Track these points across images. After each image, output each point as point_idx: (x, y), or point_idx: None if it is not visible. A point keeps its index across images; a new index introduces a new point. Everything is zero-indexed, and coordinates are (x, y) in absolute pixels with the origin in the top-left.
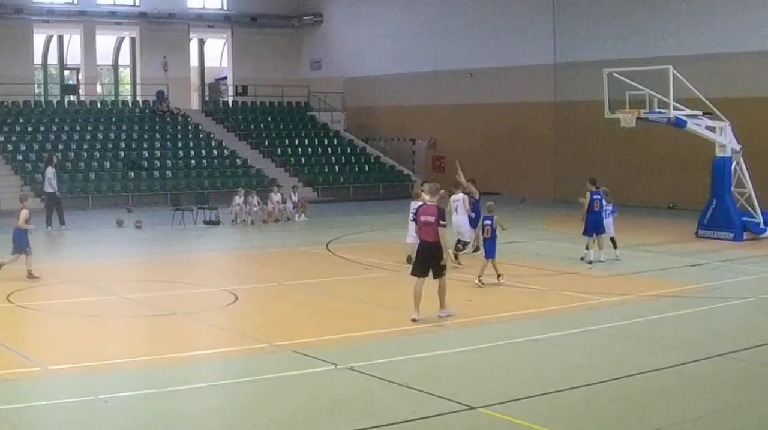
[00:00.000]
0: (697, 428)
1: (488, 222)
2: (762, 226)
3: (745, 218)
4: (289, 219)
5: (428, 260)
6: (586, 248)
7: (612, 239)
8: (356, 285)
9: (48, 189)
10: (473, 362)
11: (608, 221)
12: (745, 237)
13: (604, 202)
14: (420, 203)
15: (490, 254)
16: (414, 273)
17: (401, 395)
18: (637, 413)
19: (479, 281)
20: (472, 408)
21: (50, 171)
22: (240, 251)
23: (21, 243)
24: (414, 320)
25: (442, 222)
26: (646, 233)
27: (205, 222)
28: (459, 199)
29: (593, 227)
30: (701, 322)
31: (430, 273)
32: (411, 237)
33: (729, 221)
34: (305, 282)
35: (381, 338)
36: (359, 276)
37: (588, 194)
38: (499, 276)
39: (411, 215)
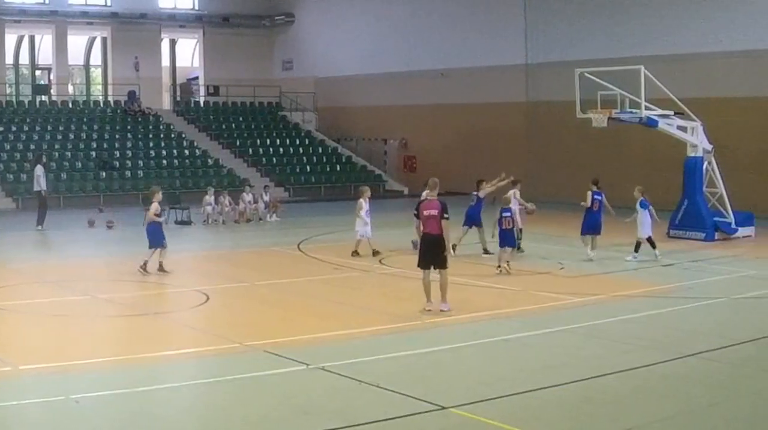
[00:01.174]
0: (668, 427)
1: (507, 214)
2: (733, 226)
3: (716, 218)
4: (260, 219)
5: (432, 252)
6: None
7: (649, 239)
8: (328, 285)
9: (36, 187)
10: (445, 362)
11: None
12: (716, 237)
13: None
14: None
15: (509, 243)
16: (420, 266)
17: (373, 396)
18: (610, 413)
19: (505, 267)
20: (443, 408)
21: (39, 169)
22: (211, 251)
23: (155, 237)
24: (428, 311)
25: (445, 215)
26: (617, 232)
27: (177, 222)
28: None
29: (591, 226)
30: (673, 322)
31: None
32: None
33: (700, 221)
34: (277, 282)
35: (352, 338)
36: (330, 276)
37: (589, 194)
38: (499, 266)
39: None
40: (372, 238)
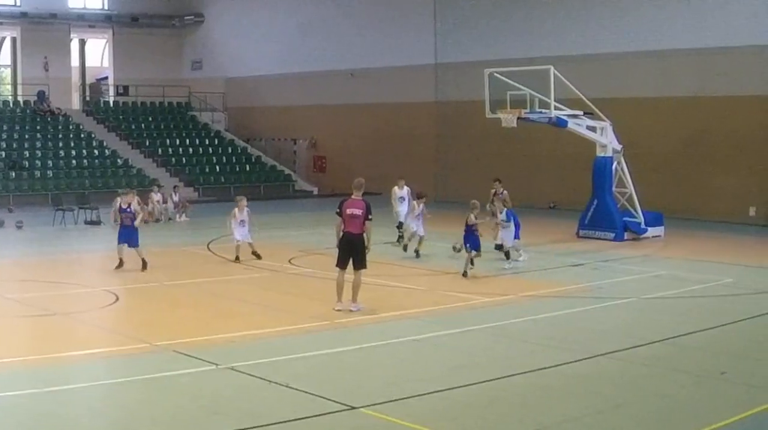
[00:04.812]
0: (577, 427)
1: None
2: (643, 226)
3: (626, 218)
4: (170, 219)
5: (351, 252)
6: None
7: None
8: (238, 285)
9: None
10: (354, 362)
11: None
12: (626, 237)
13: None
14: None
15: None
16: (339, 265)
17: (282, 395)
18: (518, 413)
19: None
20: (353, 408)
21: None
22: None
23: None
24: (337, 311)
25: (369, 217)
26: (527, 233)
27: (86, 222)
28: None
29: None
30: (582, 322)
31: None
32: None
33: (610, 221)
34: (186, 282)
35: (262, 338)
36: (241, 276)
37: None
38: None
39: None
40: (253, 241)
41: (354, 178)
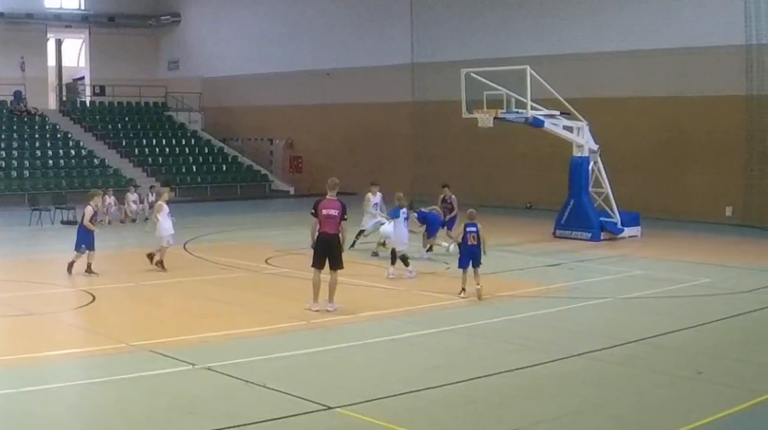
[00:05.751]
0: (554, 428)
1: (473, 229)
2: (619, 226)
3: (602, 218)
4: (146, 219)
5: (327, 252)
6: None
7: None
8: (214, 285)
9: None
10: (331, 363)
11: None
12: (602, 237)
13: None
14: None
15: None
16: (314, 265)
17: (259, 396)
18: (496, 413)
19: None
20: (329, 408)
21: None
22: (97, 251)
23: (82, 240)
24: (315, 311)
25: (345, 217)
26: (504, 233)
27: (63, 222)
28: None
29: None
30: (559, 322)
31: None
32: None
33: (586, 221)
34: (163, 282)
35: (239, 338)
36: (217, 276)
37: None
38: (463, 290)
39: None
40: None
41: (331, 178)
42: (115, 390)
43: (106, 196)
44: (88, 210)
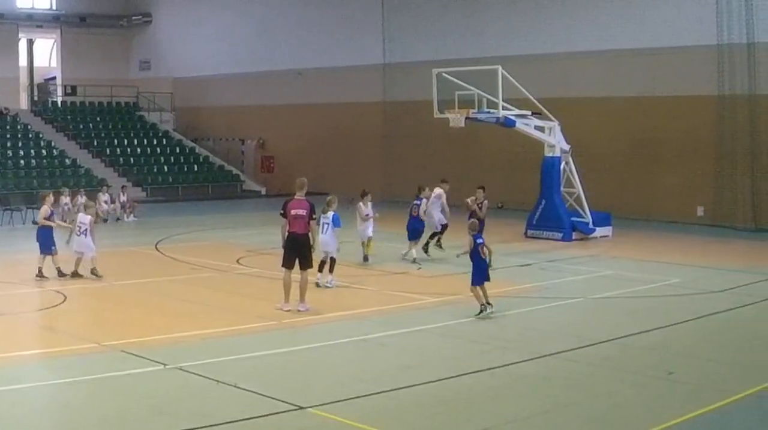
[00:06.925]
0: (526, 427)
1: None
2: (591, 226)
3: (574, 218)
4: (118, 219)
5: (297, 252)
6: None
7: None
8: (185, 285)
9: None
10: (302, 363)
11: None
12: (574, 237)
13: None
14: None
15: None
16: (284, 265)
17: (231, 395)
18: (467, 413)
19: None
20: (301, 408)
21: None
22: (69, 251)
23: (45, 242)
24: (286, 311)
25: (313, 216)
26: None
27: (34, 222)
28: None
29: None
30: (530, 322)
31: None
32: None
33: (558, 221)
34: (134, 282)
35: (210, 338)
36: (188, 276)
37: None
38: (489, 304)
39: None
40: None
41: (299, 178)
42: (86, 390)
43: (62, 196)
44: (43, 209)
